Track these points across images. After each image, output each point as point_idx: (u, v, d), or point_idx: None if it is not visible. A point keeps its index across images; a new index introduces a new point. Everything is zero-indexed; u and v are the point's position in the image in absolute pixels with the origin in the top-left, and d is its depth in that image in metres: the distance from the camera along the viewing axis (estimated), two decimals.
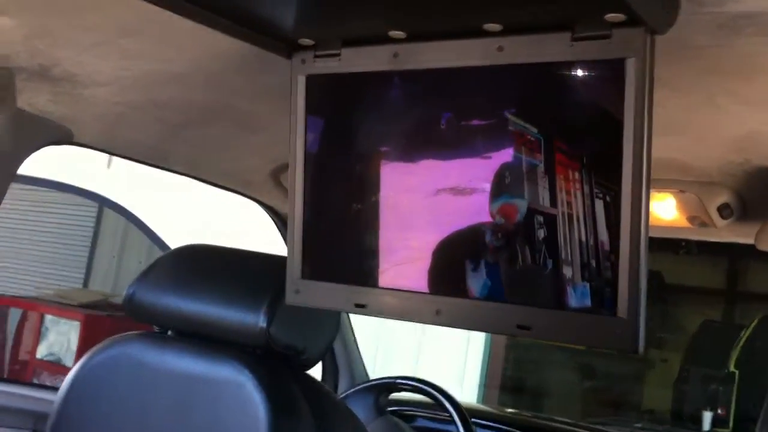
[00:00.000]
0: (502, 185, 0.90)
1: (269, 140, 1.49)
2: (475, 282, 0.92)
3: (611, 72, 0.83)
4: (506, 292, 0.90)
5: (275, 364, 1.23)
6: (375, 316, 1.00)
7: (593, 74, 0.84)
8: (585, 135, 0.86)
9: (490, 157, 0.91)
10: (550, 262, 0.87)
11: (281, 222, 1.90)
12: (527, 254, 0.89)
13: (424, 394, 1.75)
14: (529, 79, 0.89)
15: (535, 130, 0.88)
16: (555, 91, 0.87)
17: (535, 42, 0.86)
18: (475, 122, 0.93)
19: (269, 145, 1.52)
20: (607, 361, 7.75)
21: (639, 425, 5.78)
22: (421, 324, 1.01)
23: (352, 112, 1.02)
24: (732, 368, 6.28)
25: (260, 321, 1.20)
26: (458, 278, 0.93)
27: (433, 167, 0.95)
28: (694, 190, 1.33)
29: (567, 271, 0.86)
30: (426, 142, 0.96)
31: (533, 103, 0.89)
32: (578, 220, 0.85)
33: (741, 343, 6.34)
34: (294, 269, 1.05)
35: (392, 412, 1.85)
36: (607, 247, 0.84)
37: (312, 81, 1.02)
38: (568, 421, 1.97)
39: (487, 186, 0.91)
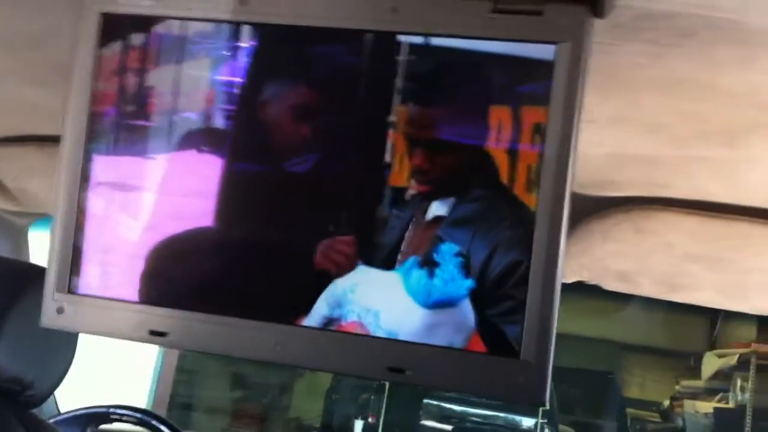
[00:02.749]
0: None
1: None
2: (328, 308, 0.71)
3: (537, 58, 0.66)
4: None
5: None
6: (180, 348, 0.75)
7: (513, 59, 0.67)
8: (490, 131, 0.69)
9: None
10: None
11: None
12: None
13: (143, 426, 1.47)
14: (427, 57, 0.69)
15: (421, 125, 0.70)
16: (459, 76, 0.69)
17: (443, 8, 0.67)
18: (333, 114, 0.72)
19: None
20: (257, 370, 7.70)
21: None
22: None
23: (158, 73, 0.76)
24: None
25: None
26: (307, 303, 0.71)
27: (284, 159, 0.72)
28: None
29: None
30: (258, 129, 0.73)
31: (425, 92, 0.70)
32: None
33: None
34: (58, 280, 0.76)
35: None
36: (514, 269, 0.67)
37: (111, 23, 0.74)
38: None
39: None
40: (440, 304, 0.68)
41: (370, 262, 0.69)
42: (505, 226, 0.67)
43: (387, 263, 0.69)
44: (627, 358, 8.32)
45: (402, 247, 0.69)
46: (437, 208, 0.68)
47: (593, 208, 1.17)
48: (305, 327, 0.71)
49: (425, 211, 0.69)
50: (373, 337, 0.69)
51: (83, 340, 1.12)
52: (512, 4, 0.66)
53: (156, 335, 0.73)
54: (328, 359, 0.71)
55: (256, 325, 0.71)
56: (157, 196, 0.75)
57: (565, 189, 0.65)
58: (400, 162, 0.69)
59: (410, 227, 0.69)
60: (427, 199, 0.69)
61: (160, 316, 0.74)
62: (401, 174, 0.69)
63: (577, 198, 1.15)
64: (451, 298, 0.67)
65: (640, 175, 1.07)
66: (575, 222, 1.19)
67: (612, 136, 0.98)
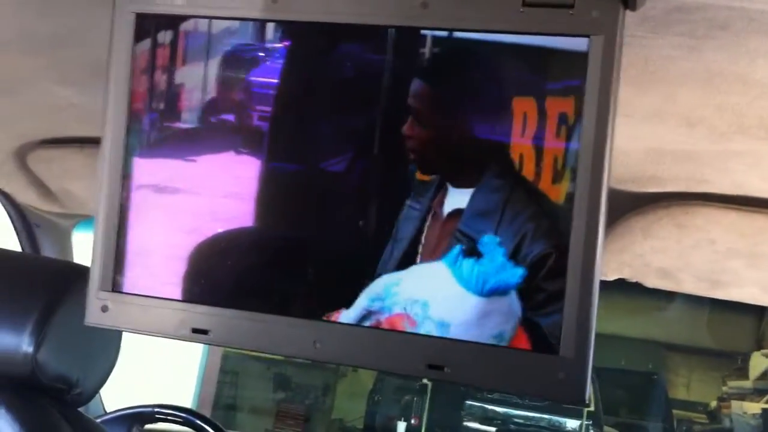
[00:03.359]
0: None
1: (22, 109, 1.16)
2: (369, 302, 0.71)
3: (568, 50, 0.66)
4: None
5: (40, 400, 0.93)
6: (221, 345, 0.76)
7: (543, 51, 0.67)
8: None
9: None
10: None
11: (20, 217, 1.54)
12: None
13: (188, 425, 1.49)
14: (456, 51, 0.70)
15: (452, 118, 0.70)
16: (487, 70, 0.69)
17: (473, 2, 0.68)
18: (364, 111, 0.72)
19: (21, 115, 1.19)
20: (300, 371, 7.74)
21: None
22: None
23: (193, 73, 0.77)
24: (425, 380, 6.51)
25: (25, 344, 0.90)
26: (344, 299, 0.72)
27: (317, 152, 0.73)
28: None
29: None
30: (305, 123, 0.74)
31: (454, 87, 0.70)
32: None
33: None
34: (102, 278, 0.77)
35: None
36: (551, 261, 0.67)
37: (145, 23, 0.76)
38: None
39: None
40: (494, 292, 0.68)
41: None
42: (530, 218, 0.67)
43: (410, 258, 0.70)
44: (672, 359, 8.22)
45: (422, 240, 0.69)
46: (458, 200, 0.69)
47: (633, 205, 1.16)
48: (344, 324, 0.71)
49: (442, 203, 0.69)
50: (413, 334, 0.69)
51: (130, 343, 1.14)
52: None
53: (198, 333, 0.74)
54: (367, 356, 0.71)
55: (296, 322, 0.72)
56: (197, 197, 0.77)
57: (601, 183, 0.65)
58: (425, 156, 0.70)
59: (428, 219, 0.69)
60: (444, 188, 0.69)
61: (202, 314, 0.75)
62: (426, 167, 0.69)
63: (616, 194, 1.15)
64: (506, 285, 0.67)
65: (680, 170, 1.06)
66: (614, 218, 1.18)
67: (649, 131, 0.97)
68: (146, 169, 0.78)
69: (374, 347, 0.70)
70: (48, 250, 1.61)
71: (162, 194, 0.78)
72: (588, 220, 0.64)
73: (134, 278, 0.78)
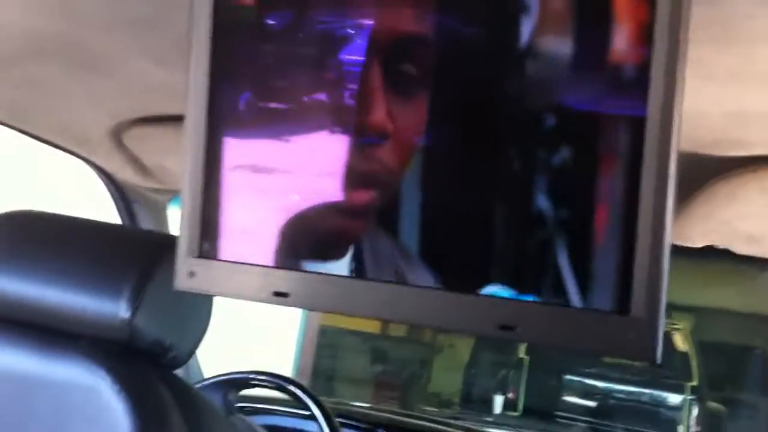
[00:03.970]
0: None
1: (117, 89, 1.22)
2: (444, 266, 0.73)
3: None
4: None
5: (138, 363, 0.98)
6: (300, 307, 0.79)
7: None
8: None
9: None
10: (537, 240, 0.70)
11: (119, 193, 1.61)
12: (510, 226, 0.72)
13: (282, 391, 1.54)
14: None
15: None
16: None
17: None
18: (453, 88, 0.73)
19: (116, 95, 1.25)
20: (396, 345, 7.81)
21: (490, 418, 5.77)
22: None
23: (278, 52, 0.80)
24: (522, 354, 6.49)
25: (122, 310, 0.95)
26: (417, 260, 0.74)
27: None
28: None
29: (561, 253, 0.69)
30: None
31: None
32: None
33: None
34: (189, 245, 0.82)
35: (240, 409, 1.63)
36: (619, 220, 0.67)
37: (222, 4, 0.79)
38: (428, 416, 1.83)
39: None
40: None
41: None
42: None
43: None
44: None
45: None
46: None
47: (718, 170, 1.15)
48: (416, 286, 0.73)
49: None
50: (483, 295, 0.71)
51: (232, 320, 1.19)
52: None
53: (279, 296, 0.78)
54: (440, 317, 0.73)
55: (370, 285, 0.75)
56: (287, 174, 0.79)
57: (670, 142, 0.64)
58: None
59: None
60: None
61: (283, 278, 0.78)
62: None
63: (700, 159, 1.13)
64: None
65: (765, 132, 1.04)
66: (699, 184, 1.16)
67: (732, 93, 0.96)
68: (232, 145, 0.81)
69: (446, 309, 0.72)
70: (146, 224, 1.69)
71: (247, 171, 0.81)
72: (658, 176, 0.64)
73: (220, 246, 0.81)
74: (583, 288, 0.68)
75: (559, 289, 0.69)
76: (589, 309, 0.68)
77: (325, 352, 6.74)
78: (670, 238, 0.66)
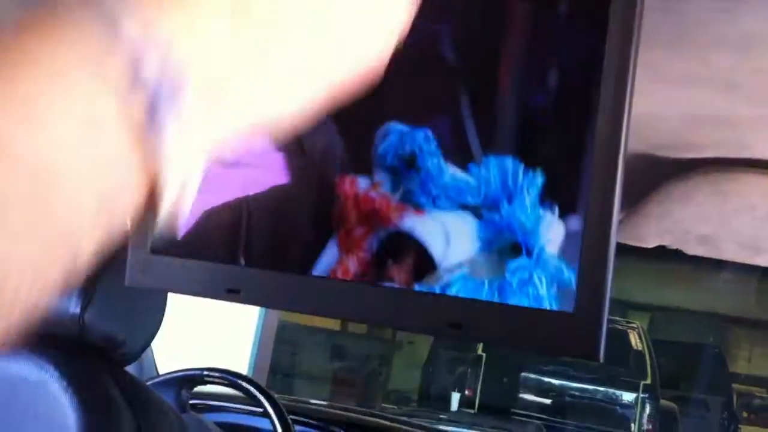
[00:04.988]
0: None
1: None
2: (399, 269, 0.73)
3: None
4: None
5: (88, 358, 0.97)
6: (251, 304, 0.78)
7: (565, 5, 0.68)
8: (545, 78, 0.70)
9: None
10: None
11: None
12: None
13: (236, 388, 1.53)
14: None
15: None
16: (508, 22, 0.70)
17: None
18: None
19: None
20: (356, 342, 7.81)
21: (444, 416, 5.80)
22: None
23: None
24: (480, 351, 6.53)
25: (72, 305, 0.94)
26: (376, 261, 0.73)
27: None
28: None
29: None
30: None
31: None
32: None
33: None
34: (141, 241, 0.81)
35: (194, 406, 1.61)
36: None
37: None
38: (381, 413, 1.83)
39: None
40: None
41: None
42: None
43: None
44: (733, 331, 8.09)
45: None
46: None
47: (672, 171, 1.16)
48: (365, 284, 0.73)
49: None
50: (434, 293, 0.71)
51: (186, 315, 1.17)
52: None
53: (231, 293, 0.77)
54: (387, 315, 0.72)
55: (318, 282, 0.74)
56: (233, 168, 0.79)
57: (619, 144, 0.65)
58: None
59: None
60: None
61: (234, 275, 0.77)
62: None
63: (655, 160, 1.14)
64: None
65: (719, 135, 1.06)
66: (654, 185, 1.18)
67: (686, 97, 0.97)
68: None
69: (395, 306, 0.72)
70: None
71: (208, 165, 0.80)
72: (604, 182, 0.64)
73: (172, 240, 0.80)
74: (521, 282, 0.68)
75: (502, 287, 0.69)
76: (535, 308, 0.68)
77: (284, 349, 6.73)
78: (615, 237, 0.66)
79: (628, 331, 6.52)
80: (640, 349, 6.41)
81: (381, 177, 0.73)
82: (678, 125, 1.05)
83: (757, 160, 1.09)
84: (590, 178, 0.65)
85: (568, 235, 0.66)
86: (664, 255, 1.36)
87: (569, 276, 0.66)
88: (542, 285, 0.68)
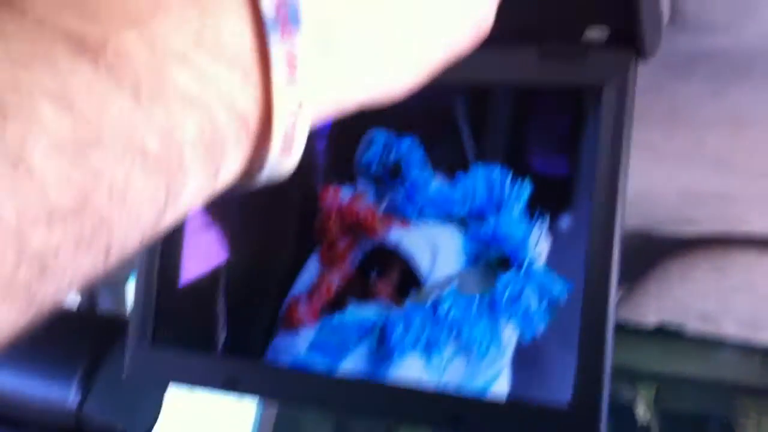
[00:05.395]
0: None
1: None
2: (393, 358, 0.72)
3: (584, 100, 0.67)
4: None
5: None
6: (250, 395, 0.77)
7: (563, 101, 0.69)
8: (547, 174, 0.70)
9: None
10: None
11: None
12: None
13: None
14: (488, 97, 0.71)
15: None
16: (513, 116, 0.71)
17: (500, 53, 0.69)
18: None
19: None
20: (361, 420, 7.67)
21: None
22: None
23: None
24: None
25: (71, 396, 0.93)
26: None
27: None
28: None
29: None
30: None
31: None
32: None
33: None
34: (142, 331, 0.80)
35: None
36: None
37: None
38: None
39: None
40: None
41: None
42: None
43: None
44: (740, 399, 7.96)
45: None
46: None
47: (671, 247, 1.16)
48: (360, 379, 0.72)
49: None
50: (434, 389, 0.70)
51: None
52: (556, 47, 0.67)
53: (230, 383, 0.76)
54: (388, 408, 0.71)
55: (321, 377, 0.73)
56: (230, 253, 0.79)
57: (615, 224, 0.65)
58: None
59: None
60: None
61: (233, 366, 0.77)
62: None
63: (653, 236, 1.14)
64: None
65: (717, 212, 1.06)
66: (652, 261, 1.17)
67: (683, 173, 0.98)
68: (188, 231, 0.80)
69: (396, 399, 0.71)
70: (103, 302, 1.65)
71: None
72: (601, 265, 0.64)
73: (172, 331, 0.80)
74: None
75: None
76: (526, 403, 0.66)
77: (286, 425, 6.61)
78: (612, 330, 0.65)
79: (635, 401, 6.44)
80: (646, 420, 6.32)
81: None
82: (676, 200, 1.05)
83: (756, 237, 1.09)
84: (588, 266, 0.65)
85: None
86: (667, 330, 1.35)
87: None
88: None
